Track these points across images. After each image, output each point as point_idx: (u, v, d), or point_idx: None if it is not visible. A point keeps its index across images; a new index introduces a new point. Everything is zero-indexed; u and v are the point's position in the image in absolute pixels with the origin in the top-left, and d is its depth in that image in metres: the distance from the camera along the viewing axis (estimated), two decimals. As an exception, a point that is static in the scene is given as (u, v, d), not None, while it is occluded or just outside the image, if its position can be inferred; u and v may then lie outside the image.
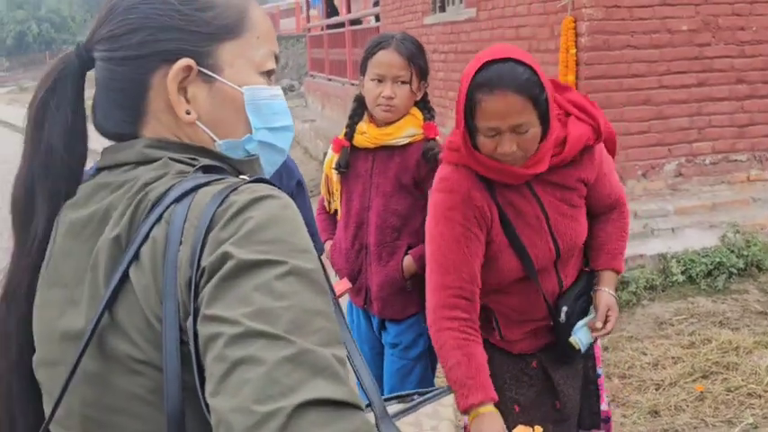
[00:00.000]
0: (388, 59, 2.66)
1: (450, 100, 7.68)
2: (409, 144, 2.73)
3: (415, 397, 1.03)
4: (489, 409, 1.94)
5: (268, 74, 1.06)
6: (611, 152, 2.23)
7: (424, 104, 2.77)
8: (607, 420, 2.37)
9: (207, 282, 0.81)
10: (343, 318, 0.99)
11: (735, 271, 5.18)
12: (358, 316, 2.97)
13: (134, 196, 0.92)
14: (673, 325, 4.65)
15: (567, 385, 2.24)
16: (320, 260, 0.86)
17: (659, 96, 5.65)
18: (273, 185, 0.91)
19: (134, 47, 0.98)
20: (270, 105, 1.05)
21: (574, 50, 5.46)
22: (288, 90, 17.81)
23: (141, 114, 1.00)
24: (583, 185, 2.13)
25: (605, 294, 2.21)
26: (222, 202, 0.86)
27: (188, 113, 0.99)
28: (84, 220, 0.96)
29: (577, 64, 5.49)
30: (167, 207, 0.89)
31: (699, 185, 5.81)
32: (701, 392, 3.83)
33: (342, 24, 12.89)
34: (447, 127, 6.56)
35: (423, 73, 2.72)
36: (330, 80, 13.39)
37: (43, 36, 58.11)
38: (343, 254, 2.89)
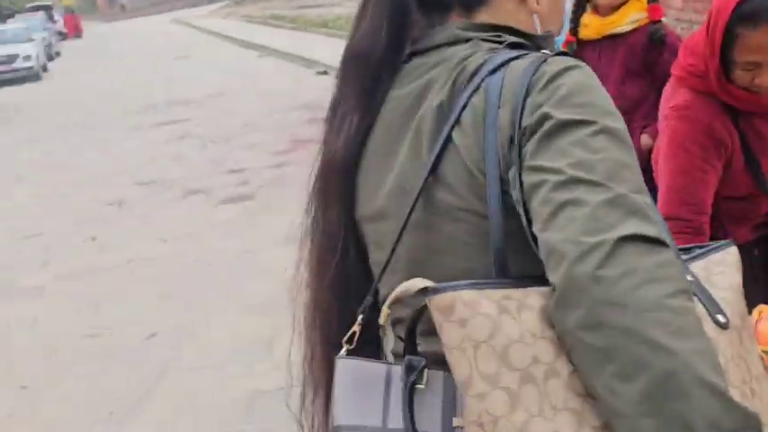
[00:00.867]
0: None
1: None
2: (634, 30, 2.70)
3: (696, 250, 1.12)
4: None
5: None
6: None
7: None
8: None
9: (528, 139, 0.94)
10: None
11: None
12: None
13: (453, 69, 1.05)
14: None
15: None
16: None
17: None
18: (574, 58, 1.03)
19: None
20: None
21: None
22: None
23: (485, 2, 1.13)
24: None
25: None
26: (536, 71, 0.98)
27: (537, 3, 1.12)
28: (403, 96, 1.11)
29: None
30: (483, 78, 1.01)
31: None
32: None
33: None
34: (672, 8, 6.20)
35: None
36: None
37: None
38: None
